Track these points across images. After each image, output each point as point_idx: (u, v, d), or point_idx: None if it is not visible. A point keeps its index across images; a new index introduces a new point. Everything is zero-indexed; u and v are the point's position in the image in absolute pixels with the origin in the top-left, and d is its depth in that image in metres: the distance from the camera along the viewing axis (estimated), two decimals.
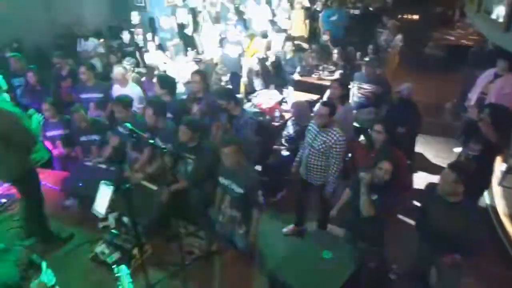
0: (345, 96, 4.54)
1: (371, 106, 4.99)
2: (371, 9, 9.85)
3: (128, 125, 2.75)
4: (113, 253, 3.29)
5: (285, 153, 4.74)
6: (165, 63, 6.57)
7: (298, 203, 4.41)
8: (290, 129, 4.78)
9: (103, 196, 2.61)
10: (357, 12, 9.38)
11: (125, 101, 4.06)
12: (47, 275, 2.44)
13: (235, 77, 6.23)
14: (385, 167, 3.08)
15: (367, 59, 5.74)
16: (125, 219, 3.44)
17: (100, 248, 3.26)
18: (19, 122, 2.83)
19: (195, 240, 3.62)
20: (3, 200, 4.26)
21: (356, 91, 5.15)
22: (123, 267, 2.24)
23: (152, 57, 6.66)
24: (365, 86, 5.05)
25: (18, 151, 2.89)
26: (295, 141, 4.58)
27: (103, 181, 2.65)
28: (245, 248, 3.47)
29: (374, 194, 3.15)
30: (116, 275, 2.28)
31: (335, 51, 6.85)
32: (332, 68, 6.67)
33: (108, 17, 8.32)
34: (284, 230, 4.46)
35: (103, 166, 4.03)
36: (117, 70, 4.77)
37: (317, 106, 4.24)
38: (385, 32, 7.69)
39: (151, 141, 2.87)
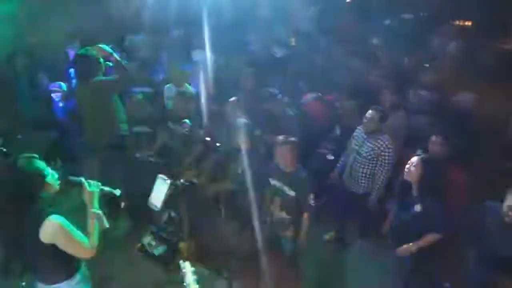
0: (397, 102, 4.38)
1: (426, 114, 4.79)
2: (422, 14, 9.49)
3: (188, 121, 2.76)
4: (159, 246, 3.34)
5: (330, 157, 4.64)
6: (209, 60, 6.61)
7: (340, 211, 4.30)
8: (337, 132, 4.67)
9: (160, 190, 2.64)
10: (409, 16, 9.05)
11: (186, 96, 4.11)
12: None
13: None
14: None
15: (425, 65, 5.52)
16: (173, 213, 3.49)
17: (147, 239, 3.31)
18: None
19: (241, 239, 3.62)
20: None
21: (411, 98, 4.96)
22: (187, 263, 2.27)
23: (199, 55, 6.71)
24: (421, 93, 4.85)
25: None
26: (342, 144, 4.46)
27: (160, 175, 2.67)
28: (291, 251, 3.42)
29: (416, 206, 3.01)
30: (182, 270, 2.31)
31: (384, 55, 6.64)
32: (381, 73, 6.46)
33: (156, 14, 8.46)
34: (326, 236, 4.36)
35: (152, 159, 4.10)
36: (174, 71, 4.82)
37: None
38: (438, 39, 7.38)
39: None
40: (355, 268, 3.68)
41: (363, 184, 3.80)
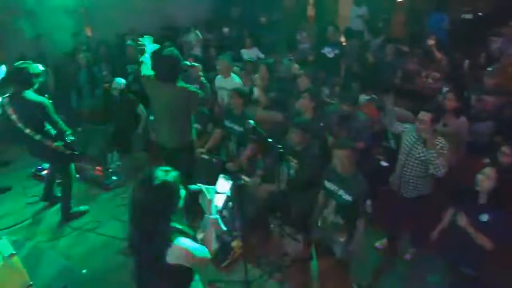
0: (460, 108, 4.15)
1: (490, 120, 4.52)
2: (481, 14, 8.98)
3: (252, 122, 2.77)
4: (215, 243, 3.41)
5: (384, 163, 4.49)
6: (259, 58, 6.62)
7: (391, 217, 4.15)
8: (391, 137, 4.52)
9: (221, 189, 2.67)
10: (469, 16, 8.60)
11: (243, 93, 4.13)
12: None
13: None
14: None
15: (489, 69, 5.21)
16: (225, 212, 3.53)
17: (201, 235, 3.37)
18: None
19: (292, 242, 3.60)
20: (114, 178, 4.65)
21: (474, 103, 4.70)
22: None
23: (249, 52, 6.74)
24: (486, 98, 4.58)
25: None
26: (397, 150, 4.31)
27: (222, 174, 2.70)
28: (343, 257, 3.35)
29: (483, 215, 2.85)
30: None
31: (441, 57, 6.34)
32: (437, 75, 6.19)
33: (207, 11, 8.61)
34: (377, 244, 4.24)
35: (205, 157, 4.16)
36: (222, 62, 4.87)
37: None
38: (499, 40, 6.94)
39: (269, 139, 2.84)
40: (405, 276, 3.56)
41: (413, 188, 3.63)
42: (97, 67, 5.57)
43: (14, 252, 2.78)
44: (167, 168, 1.95)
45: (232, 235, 3.57)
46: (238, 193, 2.78)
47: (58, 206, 4.16)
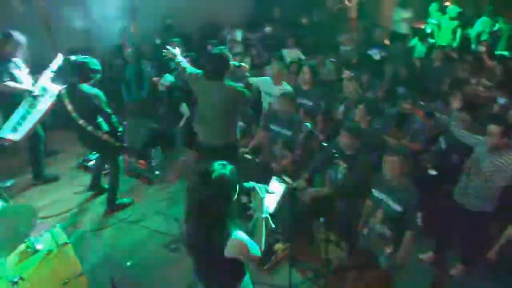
0: None
1: None
2: None
3: (309, 125, 2.72)
4: None
5: (432, 171, 4.33)
6: (300, 59, 6.55)
7: (442, 229, 3.98)
8: (442, 145, 4.35)
9: (275, 192, 2.64)
10: None
11: (294, 98, 4.11)
12: None
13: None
14: None
15: None
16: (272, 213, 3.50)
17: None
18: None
19: (336, 249, 3.53)
20: (157, 172, 4.73)
21: None
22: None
23: (291, 53, 6.68)
24: None
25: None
26: (447, 159, 4.14)
27: (275, 177, 2.67)
28: (388, 268, 3.25)
29: None
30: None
31: (493, 64, 6.06)
32: (489, 83, 5.91)
33: (249, 10, 8.61)
34: (422, 256, 4.09)
35: (249, 157, 4.14)
36: (276, 67, 4.74)
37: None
38: None
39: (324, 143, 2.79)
40: None
41: (476, 201, 3.47)
42: (143, 63, 5.68)
43: (68, 241, 2.87)
44: (223, 162, 1.96)
45: (275, 237, 3.55)
46: (289, 196, 2.73)
47: (103, 197, 4.28)
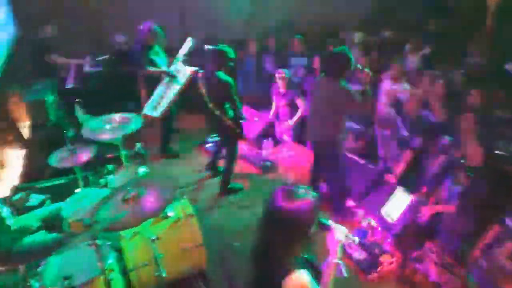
0: None
1: None
2: None
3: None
4: (360, 252, 3.35)
5: None
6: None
7: None
8: None
9: (398, 202, 2.58)
10: None
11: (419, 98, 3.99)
12: None
13: None
14: None
15: None
16: (374, 223, 3.41)
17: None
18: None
19: (448, 274, 3.31)
20: (268, 163, 4.90)
21: None
22: None
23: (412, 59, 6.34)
24: None
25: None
26: None
27: (399, 187, 2.60)
28: None
29: None
30: None
31: None
32: None
33: (370, 12, 8.36)
34: None
35: (362, 161, 4.08)
36: (397, 66, 4.76)
37: None
38: None
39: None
40: None
41: None
42: (264, 57, 5.91)
43: (194, 213, 3.16)
44: (307, 187, 1.77)
45: (382, 248, 3.46)
46: (412, 208, 2.64)
47: (217, 178, 4.55)
